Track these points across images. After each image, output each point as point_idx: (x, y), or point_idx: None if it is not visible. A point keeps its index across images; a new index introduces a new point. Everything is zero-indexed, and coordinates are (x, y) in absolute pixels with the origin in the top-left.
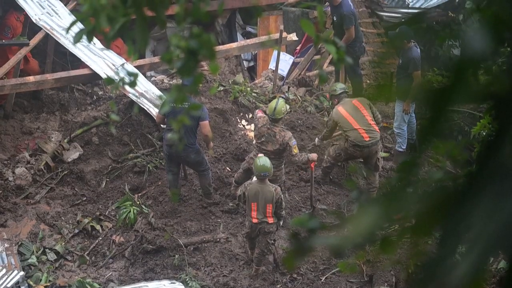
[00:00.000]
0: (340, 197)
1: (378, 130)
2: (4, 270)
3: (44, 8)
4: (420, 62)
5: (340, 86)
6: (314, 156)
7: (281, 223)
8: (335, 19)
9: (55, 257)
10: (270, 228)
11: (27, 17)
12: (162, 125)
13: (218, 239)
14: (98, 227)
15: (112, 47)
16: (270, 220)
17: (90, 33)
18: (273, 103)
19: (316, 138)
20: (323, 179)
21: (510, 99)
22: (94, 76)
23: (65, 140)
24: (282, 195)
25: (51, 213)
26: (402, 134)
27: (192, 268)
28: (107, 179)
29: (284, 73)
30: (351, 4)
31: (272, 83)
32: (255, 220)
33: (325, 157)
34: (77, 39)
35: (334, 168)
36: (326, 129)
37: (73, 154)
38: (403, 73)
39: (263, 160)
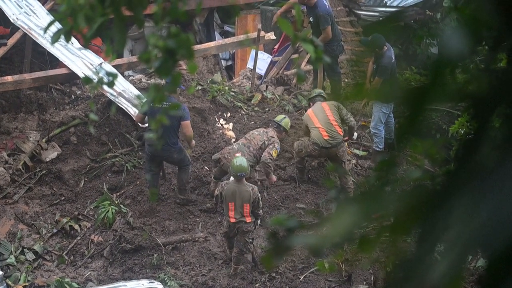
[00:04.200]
0: (319, 196)
1: (340, 132)
2: None
3: (21, 8)
4: (388, 70)
5: (316, 90)
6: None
7: (259, 221)
8: (311, 19)
9: (34, 257)
10: (248, 227)
11: None
12: (141, 125)
13: (196, 238)
14: (76, 226)
15: (90, 47)
16: (248, 220)
17: (68, 33)
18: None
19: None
20: (301, 178)
21: (487, 98)
22: (72, 76)
23: (43, 140)
24: (259, 194)
25: (30, 213)
26: (378, 134)
27: (171, 267)
28: (86, 179)
29: (262, 72)
30: (326, 4)
31: (250, 82)
32: (233, 220)
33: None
34: (55, 39)
35: (305, 163)
36: (304, 135)
37: (51, 154)
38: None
39: (239, 160)
